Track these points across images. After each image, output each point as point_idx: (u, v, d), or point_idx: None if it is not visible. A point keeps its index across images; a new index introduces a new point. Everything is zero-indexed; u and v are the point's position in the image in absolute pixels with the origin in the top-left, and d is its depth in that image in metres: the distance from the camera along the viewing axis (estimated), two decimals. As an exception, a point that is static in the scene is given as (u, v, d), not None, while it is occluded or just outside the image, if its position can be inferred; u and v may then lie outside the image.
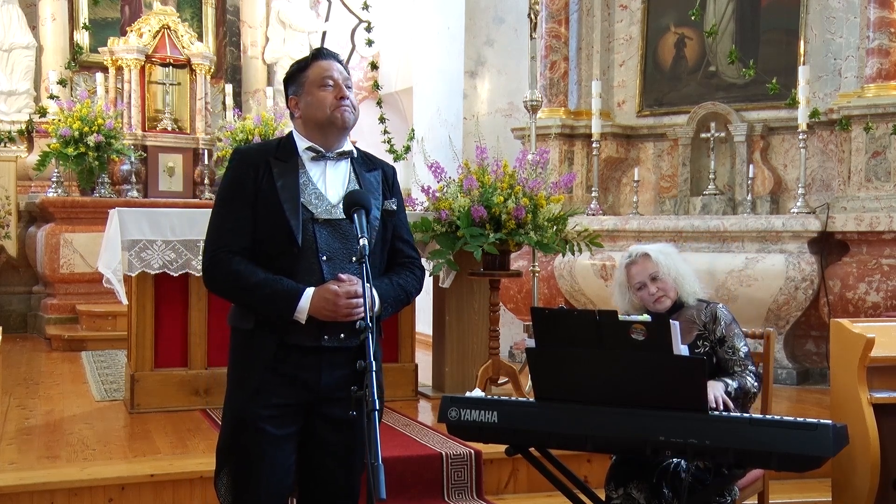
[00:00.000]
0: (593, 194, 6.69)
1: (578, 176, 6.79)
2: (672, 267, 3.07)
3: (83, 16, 9.34)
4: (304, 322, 2.29)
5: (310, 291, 2.29)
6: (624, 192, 7.03)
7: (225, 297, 2.41)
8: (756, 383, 2.93)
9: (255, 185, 2.35)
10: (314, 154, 2.41)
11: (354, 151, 2.49)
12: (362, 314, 2.22)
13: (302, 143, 2.43)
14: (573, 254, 4.80)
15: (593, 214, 6.55)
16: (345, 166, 2.46)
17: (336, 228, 2.36)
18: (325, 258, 2.33)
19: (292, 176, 2.37)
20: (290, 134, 2.47)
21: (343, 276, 2.31)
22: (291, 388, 2.33)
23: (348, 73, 2.47)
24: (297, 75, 2.45)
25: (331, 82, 2.40)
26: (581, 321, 2.54)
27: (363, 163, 2.50)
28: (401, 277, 2.45)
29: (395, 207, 2.48)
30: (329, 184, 2.41)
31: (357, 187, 2.42)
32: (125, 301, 4.80)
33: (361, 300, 2.24)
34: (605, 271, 6.21)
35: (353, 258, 2.34)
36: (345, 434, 2.37)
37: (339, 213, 2.36)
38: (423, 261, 5.05)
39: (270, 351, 2.32)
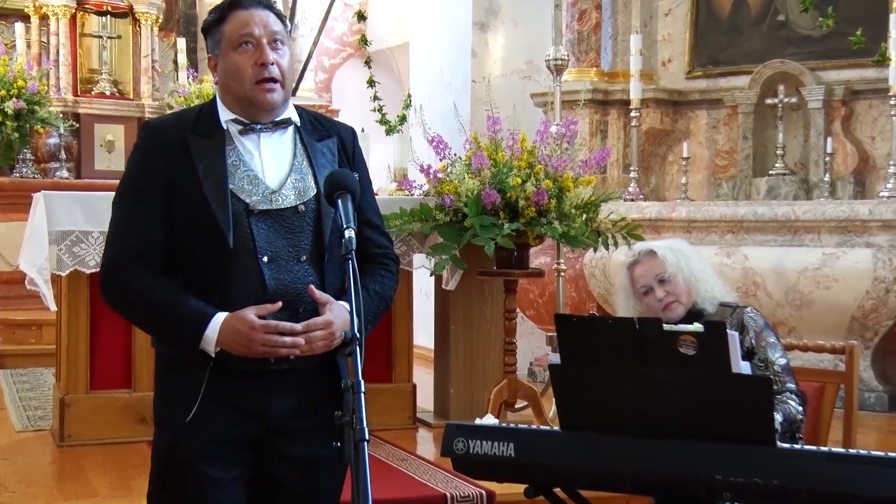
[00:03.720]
0: (632, 175, 6.69)
1: (614, 152, 6.78)
2: (683, 266, 3.08)
3: (-1, -49, 9.35)
4: (213, 356, 2.24)
5: (219, 319, 2.22)
6: (670, 171, 7.02)
7: (124, 317, 2.39)
8: (800, 407, 2.92)
9: (168, 170, 2.29)
10: (241, 126, 2.35)
11: (297, 117, 2.42)
12: (290, 354, 2.20)
13: (225, 113, 2.36)
14: (607, 248, 4.79)
15: (632, 200, 6.55)
16: (287, 137, 2.39)
17: (278, 221, 2.31)
18: (265, 259, 2.27)
19: (217, 156, 2.30)
20: (214, 100, 2.41)
21: (318, 294, 2.24)
22: (234, 419, 2.29)
23: (283, 22, 2.39)
24: (213, 29, 2.38)
25: (251, 41, 2.31)
26: (617, 331, 2.54)
27: (312, 129, 2.44)
28: (375, 282, 2.40)
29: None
30: (267, 162, 2.34)
31: (305, 163, 2.36)
32: (53, 307, 4.81)
33: (289, 339, 2.20)
34: (648, 270, 6.21)
35: (302, 257, 2.30)
36: (307, 475, 2.34)
37: (283, 201, 2.31)
38: (423, 257, 5.10)
39: (204, 374, 2.27)
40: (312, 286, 2.27)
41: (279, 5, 10.28)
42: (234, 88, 2.33)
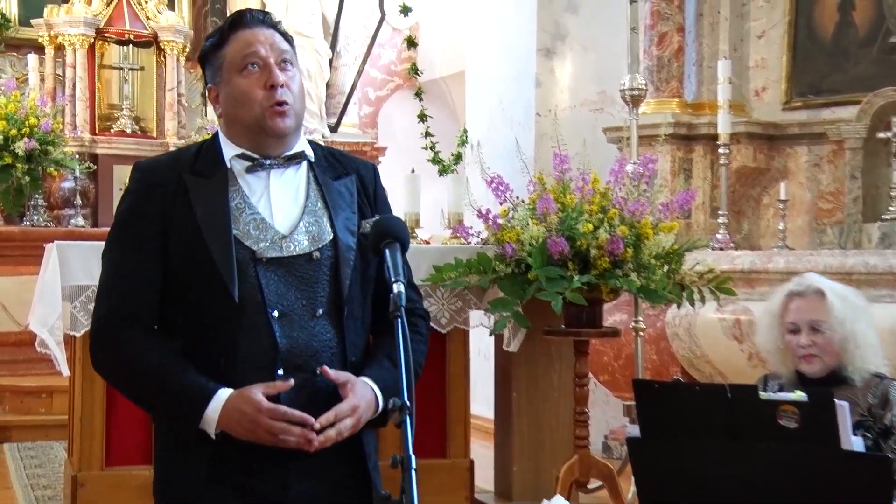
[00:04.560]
0: (721, 220, 6.65)
1: (699, 194, 6.75)
2: (848, 324, 3.04)
3: (11, -26, 9.58)
4: (213, 437, 2.23)
5: (222, 396, 2.21)
6: (765, 216, 6.96)
7: (114, 387, 2.40)
8: None
9: (163, 216, 2.30)
10: (249, 162, 2.36)
11: (311, 151, 2.43)
12: (299, 447, 2.18)
13: (230, 149, 2.37)
14: (692, 304, 4.76)
15: (721, 248, 6.50)
16: (300, 175, 2.40)
17: (290, 270, 2.30)
18: (275, 314, 2.27)
19: (219, 197, 2.31)
20: (215, 135, 2.43)
21: (334, 374, 2.23)
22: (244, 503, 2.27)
23: (291, 43, 2.41)
24: (212, 55, 2.40)
25: (257, 62, 2.33)
26: (705, 399, 2.53)
27: (328, 166, 2.44)
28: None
29: None
30: (276, 204, 2.35)
31: (320, 203, 2.36)
32: (66, 372, 4.87)
33: (298, 430, 2.17)
34: (740, 329, 6.14)
35: (318, 311, 2.30)
36: None
37: (294, 247, 2.31)
38: (481, 314, 5.10)
39: (207, 454, 2.26)
40: (326, 367, 2.25)
41: (321, 30, 10.48)
42: (242, 115, 2.34)
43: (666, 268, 4.68)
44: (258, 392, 2.19)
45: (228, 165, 2.36)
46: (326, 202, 2.38)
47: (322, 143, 2.53)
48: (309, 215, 2.36)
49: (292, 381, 2.22)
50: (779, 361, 3.26)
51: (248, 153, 2.35)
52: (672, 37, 6.92)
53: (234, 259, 2.26)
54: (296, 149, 2.39)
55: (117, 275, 2.33)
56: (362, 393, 2.26)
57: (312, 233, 2.34)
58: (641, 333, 5.51)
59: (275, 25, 2.40)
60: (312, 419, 2.19)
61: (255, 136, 2.34)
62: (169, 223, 2.30)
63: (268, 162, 2.35)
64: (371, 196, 2.47)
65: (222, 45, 2.37)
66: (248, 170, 2.36)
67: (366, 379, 2.29)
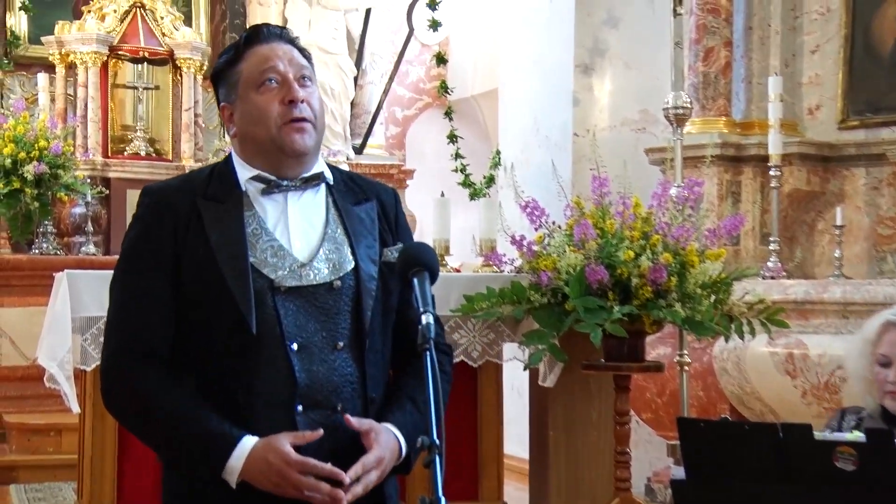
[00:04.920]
0: (772, 247, 6.61)
1: (748, 219, 6.73)
2: None
3: (20, -10, 9.64)
4: (234, 486, 2.23)
5: (246, 445, 2.21)
6: (820, 242, 6.92)
7: (126, 428, 2.41)
8: None
9: (174, 244, 2.31)
10: (264, 185, 2.37)
11: (329, 174, 2.44)
12: (332, 502, 2.17)
13: (244, 171, 2.38)
14: (742, 337, 4.74)
15: (773, 277, 6.46)
16: (318, 199, 2.41)
17: (309, 300, 2.31)
18: (294, 347, 2.28)
19: (234, 223, 2.32)
20: (228, 157, 2.45)
21: (356, 422, 2.23)
22: None
23: (309, 59, 2.43)
24: (226, 71, 2.42)
25: (275, 78, 2.36)
26: (755, 439, 2.51)
27: (347, 191, 2.45)
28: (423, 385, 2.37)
29: None
30: (295, 230, 2.36)
31: (340, 230, 2.37)
32: (76, 408, 4.89)
33: (327, 487, 2.17)
34: (793, 364, 6.10)
35: (339, 343, 2.30)
36: None
37: (314, 276, 2.32)
38: (515, 347, 5.09)
39: (222, 497, 2.26)
40: (348, 416, 2.25)
41: (345, 46, 10.52)
42: (258, 134, 2.35)
43: (713, 298, 4.65)
44: (286, 443, 2.19)
45: (243, 188, 2.37)
46: (347, 228, 2.39)
47: (345, 166, 2.55)
48: (329, 242, 2.37)
49: (321, 431, 2.23)
50: (864, 391, 3.29)
51: (265, 174, 2.36)
52: (719, 52, 6.91)
53: (251, 288, 2.27)
54: (314, 170, 2.41)
55: (128, 307, 2.33)
56: (387, 442, 2.27)
57: (333, 261, 2.35)
58: (687, 368, 5.47)
59: (292, 41, 2.43)
60: (343, 474, 2.20)
61: (271, 156, 2.36)
62: (181, 251, 2.31)
63: (285, 183, 2.36)
64: (392, 222, 2.48)
65: (238, 61, 2.40)
66: (264, 193, 2.37)
67: (389, 426, 2.30)
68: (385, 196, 2.51)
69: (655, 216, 4.67)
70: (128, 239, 2.41)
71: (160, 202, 2.37)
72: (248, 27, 2.49)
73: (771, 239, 6.65)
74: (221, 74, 2.44)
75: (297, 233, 2.36)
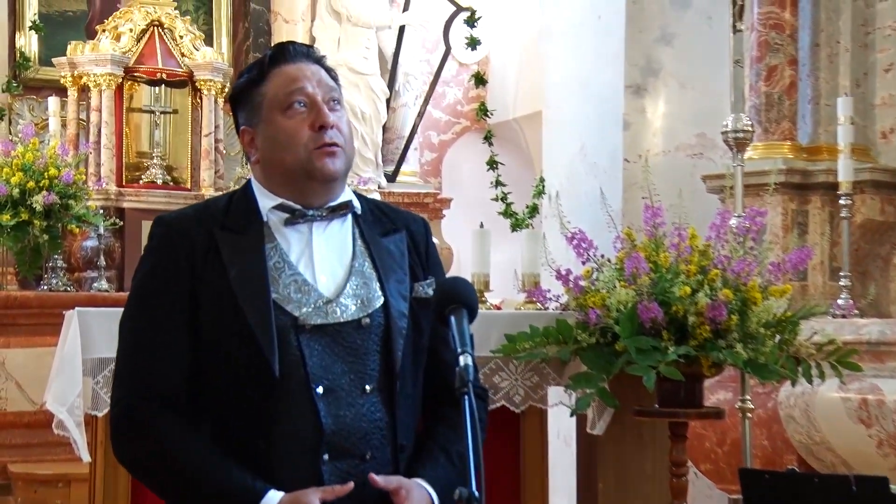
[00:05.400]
0: (843, 282, 6.58)
1: (816, 252, 6.70)
2: None
3: (31, 9, 9.69)
4: None
5: (272, 500, 2.21)
6: (895, 278, 6.88)
7: (140, 479, 2.39)
8: None
9: (191, 278, 2.31)
10: (287, 214, 2.38)
11: (357, 203, 2.45)
12: None
13: (266, 200, 2.39)
14: (810, 381, 4.70)
15: (844, 316, 6.42)
16: (345, 230, 2.42)
17: (336, 339, 2.32)
18: (320, 390, 2.28)
19: (255, 256, 2.33)
20: (248, 185, 2.46)
21: (383, 481, 2.23)
22: None
23: (334, 80, 2.44)
24: (248, 92, 2.43)
25: (302, 100, 2.37)
26: (826, 493, 2.49)
27: (374, 221, 2.46)
28: (457, 435, 2.30)
29: (432, 292, 2.39)
30: (320, 263, 2.37)
31: (367, 264, 2.37)
32: (86, 457, 4.91)
33: None
34: (867, 411, 6.05)
35: (367, 386, 2.30)
36: None
37: (341, 313, 2.32)
38: (561, 391, 5.07)
39: None
40: (373, 475, 2.25)
41: (377, 66, 10.60)
42: (285, 160, 2.36)
43: (778, 338, 4.63)
44: (315, 500, 2.20)
45: (265, 218, 2.38)
46: (375, 262, 2.39)
47: (376, 195, 2.57)
48: (356, 276, 2.38)
49: (351, 485, 2.22)
50: None
51: (288, 203, 2.37)
52: (783, 70, 6.90)
53: (274, 327, 2.27)
54: (341, 199, 2.42)
55: (139, 348, 2.33)
56: (419, 500, 2.27)
57: (361, 296, 2.36)
58: (749, 415, 5.44)
59: (320, 60, 2.44)
60: None
61: (298, 183, 2.37)
62: (197, 286, 2.32)
63: (310, 213, 2.37)
64: (423, 255, 2.49)
65: (261, 82, 2.41)
66: (288, 223, 2.38)
67: (420, 481, 2.30)
68: (415, 226, 2.52)
69: (714, 249, 4.65)
70: (139, 273, 2.42)
71: (174, 233, 2.38)
72: (272, 45, 2.50)
73: (841, 274, 6.61)
74: (243, 95, 2.45)
75: (323, 266, 2.37)
